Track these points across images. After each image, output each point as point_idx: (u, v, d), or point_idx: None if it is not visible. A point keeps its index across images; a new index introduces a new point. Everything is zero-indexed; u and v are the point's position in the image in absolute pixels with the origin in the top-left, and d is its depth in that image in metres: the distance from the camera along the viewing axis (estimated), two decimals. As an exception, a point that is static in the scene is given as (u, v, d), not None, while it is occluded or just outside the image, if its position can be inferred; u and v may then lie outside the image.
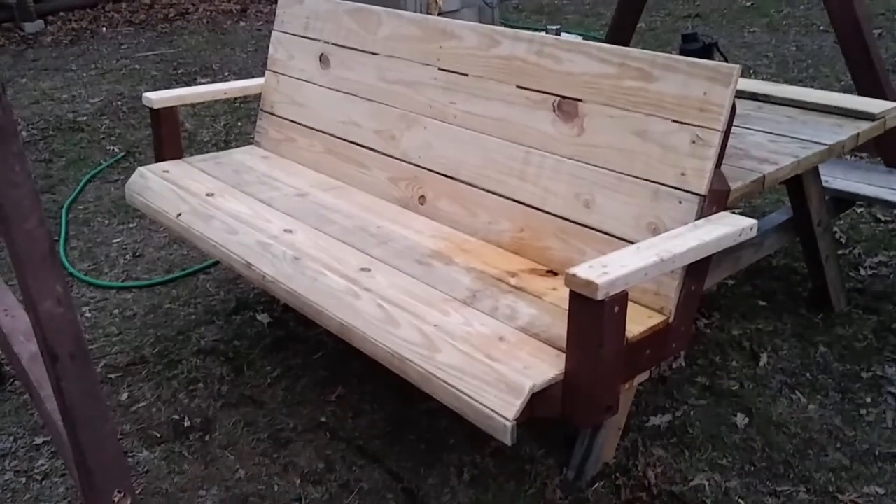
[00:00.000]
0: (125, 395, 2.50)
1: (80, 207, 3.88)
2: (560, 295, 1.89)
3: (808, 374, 2.48)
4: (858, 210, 3.48)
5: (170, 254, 3.39)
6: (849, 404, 2.35)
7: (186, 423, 2.37)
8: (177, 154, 2.85)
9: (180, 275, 3.20)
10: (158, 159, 2.83)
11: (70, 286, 3.09)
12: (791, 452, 2.18)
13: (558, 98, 2.06)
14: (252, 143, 3.05)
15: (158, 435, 2.33)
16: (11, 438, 2.34)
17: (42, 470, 2.22)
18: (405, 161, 2.44)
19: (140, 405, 2.46)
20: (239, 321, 2.88)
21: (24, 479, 2.19)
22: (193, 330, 2.83)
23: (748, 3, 7.61)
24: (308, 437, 2.30)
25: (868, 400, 2.37)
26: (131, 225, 3.68)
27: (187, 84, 5.86)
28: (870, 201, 2.86)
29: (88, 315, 2.95)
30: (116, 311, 2.98)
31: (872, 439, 2.22)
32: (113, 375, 2.60)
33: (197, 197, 2.52)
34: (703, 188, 1.78)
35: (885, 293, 2.89)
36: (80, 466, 1.46)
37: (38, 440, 2.33)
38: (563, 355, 1.63)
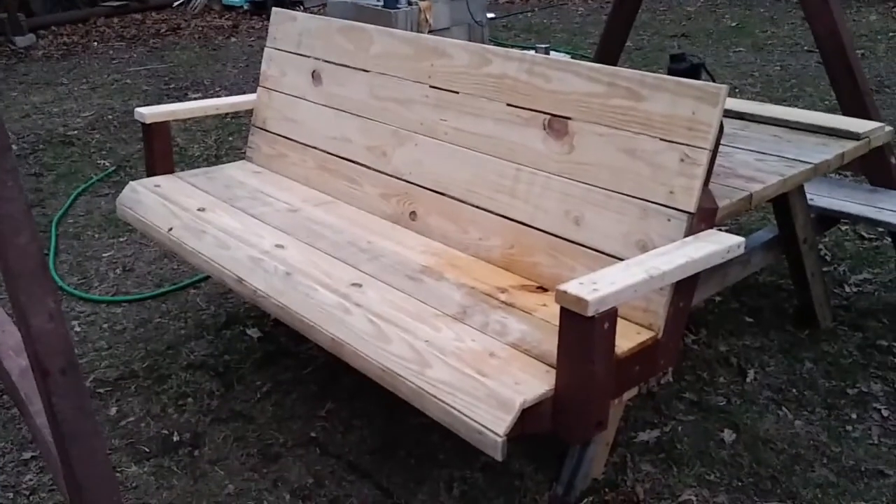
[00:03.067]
0: (114, 410, 2.49)
1: (70, 221, 3.88)
2: (550, 311, 1.91)
3: (794, 390, 2.51)
4: (843, 228, 3.52)
5: (160, 268, 3.39)
6: (835, 420, 2.38)
7: (176, 438, 2.36)
8: (168, 169, 2.86)
9: (170, 289, 3.20)
10: (150, 174, 2.84)
11: (60, 300, 3.08)
12: (778, 468, 2.20)
13: (548, 116, 2.08)
14: (243, 159, 3.07)
15: (147, 450, 2.32)
16: (-1, 453, 2.33)
17: (30, 485, 2.21)
18: (396, 177, 2.46)
19: (129, 420, 2.45)
20: (229, 336, 2.87)
21: (11, 495, 2.17)
22: (183, 344, 2.83)
23: (734, 24, 7.71)
24: (298, 452, 2.29)
25: (854, 416, 2.39)
26: (122, 239, 3.67)
27: (178, 99, 5.87)
28: (854, 219, 2.89)
29: (78, 329, 2.94)
30: (106, 326, 2.97)
31: (858, 455, 2.24)
32: (102, 390, 2.59)
33: (188, 212, 2.53)
34: (691, 206, 1.80)
35: (869, 310, 2.92)
36: (69, 482, 1.46)
37: (27, 455, 2.32)
38: (554, 371, 1.64)
